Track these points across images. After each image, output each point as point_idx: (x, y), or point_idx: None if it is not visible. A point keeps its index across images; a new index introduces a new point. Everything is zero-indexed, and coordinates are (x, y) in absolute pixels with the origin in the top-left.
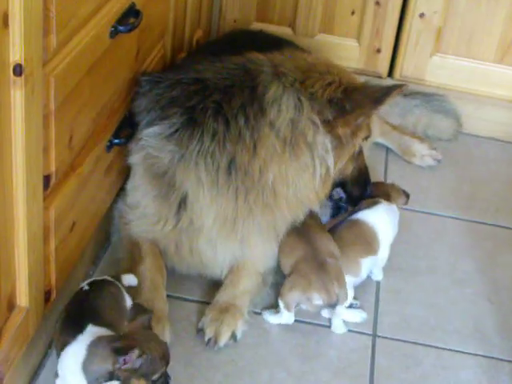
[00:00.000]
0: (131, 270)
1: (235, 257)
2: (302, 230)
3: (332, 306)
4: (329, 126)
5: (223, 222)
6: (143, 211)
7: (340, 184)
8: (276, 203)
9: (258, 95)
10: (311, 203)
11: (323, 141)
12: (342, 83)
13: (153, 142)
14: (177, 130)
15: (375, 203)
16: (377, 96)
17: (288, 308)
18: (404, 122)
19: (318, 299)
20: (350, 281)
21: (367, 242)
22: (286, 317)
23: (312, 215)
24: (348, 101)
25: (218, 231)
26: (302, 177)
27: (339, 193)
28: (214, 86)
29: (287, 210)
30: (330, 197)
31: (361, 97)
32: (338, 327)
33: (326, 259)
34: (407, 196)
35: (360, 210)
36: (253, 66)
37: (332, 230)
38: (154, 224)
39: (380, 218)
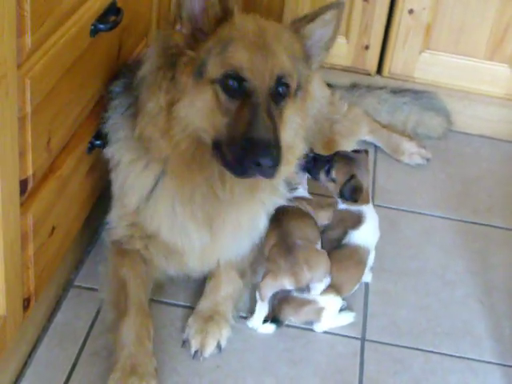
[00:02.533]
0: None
1: (207, 245)
2: (279, 218)
3: (302, 289)
4: None
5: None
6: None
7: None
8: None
9: None
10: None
11: None
12: None
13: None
14: None
15: (358, 219)
16: None
17: (262, 297)
18: (393, 119)
19: (288, 285)
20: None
21: (363, 263)
22: (258, 307)
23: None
24: None
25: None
26: None
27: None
28: None
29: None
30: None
31: None
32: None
33: (296, 242)
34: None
35: (348, 230)
36: None
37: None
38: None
39: (370, 234)
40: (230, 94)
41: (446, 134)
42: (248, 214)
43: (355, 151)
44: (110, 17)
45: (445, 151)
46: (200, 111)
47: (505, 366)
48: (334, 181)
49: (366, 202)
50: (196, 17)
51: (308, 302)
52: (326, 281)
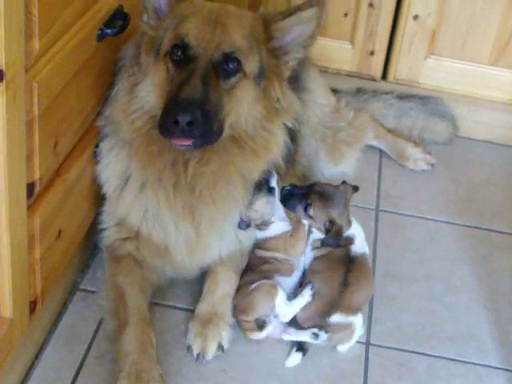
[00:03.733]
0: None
1: (192, 239)
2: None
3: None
4: None
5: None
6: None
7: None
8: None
9: None
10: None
11: None
12: None
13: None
14: None
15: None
16: None
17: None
18: (399, 124)
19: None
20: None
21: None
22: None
23: None
24: None
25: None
26: None
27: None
28: None
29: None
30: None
31: None
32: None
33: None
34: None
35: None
36: None
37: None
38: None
39: (365, 246)
40: (176, 64)
41: (451, 139)
42: (223, 209)
43: (337, 186)
44: (116, 22)
45: (450, 156)
46: (155, 86)
47: (509, 370)
48: (311, 218)
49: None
50: (160, 6)
51: (344, 327)
52: (280, 310)
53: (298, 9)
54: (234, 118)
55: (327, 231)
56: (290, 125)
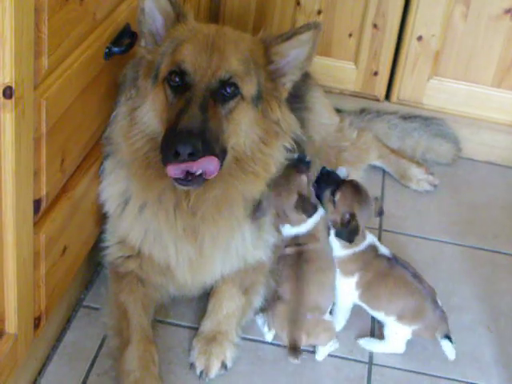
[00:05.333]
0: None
1: (194, 259)
2: (298, 270)
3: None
4: None
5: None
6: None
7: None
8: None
9: None
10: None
11: None
12: None
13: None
14: None
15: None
16: None
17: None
18: (403, 145)
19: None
20: None
21: None
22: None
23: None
24: None
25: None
26: None
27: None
28: None
29: None
30: None
31: None
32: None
33: (305, 315)
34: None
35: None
36: None
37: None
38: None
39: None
40: (174, 90)
41: (454, 160)
42: (225, 230)
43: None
44: (124, 40)
45: (452, 177)
46: (155, 112)
47: None
48: (334, 204)
49: (357, 243)
50: (157, 30)
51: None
52: (331, 344)
53: (296, 32)
54: (234, 140)
55: (342, 225)
56: (288, 146)
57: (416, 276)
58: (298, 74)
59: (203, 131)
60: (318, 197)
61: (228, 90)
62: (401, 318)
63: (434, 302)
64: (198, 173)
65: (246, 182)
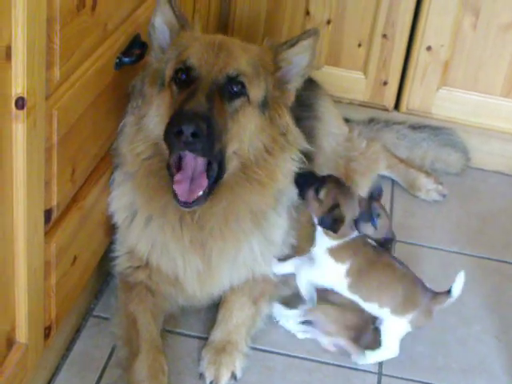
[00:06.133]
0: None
1: (202, 271)
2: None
3: None
4: None
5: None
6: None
7: None
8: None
9: None
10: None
11: None
12: None
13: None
14: None
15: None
16: None
17: None
18: (412, 155)
19: None
20: None
21: None
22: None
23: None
24: None
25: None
26: None
27: None
28: None
29: None
30: None
31: None
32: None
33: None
34: None
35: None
36: None
37: None
38: None
39: None
40: (180, 86)
41: (463, 170)
42: (232, 243)
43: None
44: (134, 50)
45: (461, 187)
46: (159, 116)
47: None
48: (320, 202)
49: (345, 235)
50: (165, 42)
51: None
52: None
53: (299, 39)
54: (237, 145)
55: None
56: (295, 157)
57: (403, 265)
58: (300, 82)
59: (208, 117)
60: (302, 197)
61: (235, 88)
62: (395, 309)
63: (424, 286)
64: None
65: (252, 192)
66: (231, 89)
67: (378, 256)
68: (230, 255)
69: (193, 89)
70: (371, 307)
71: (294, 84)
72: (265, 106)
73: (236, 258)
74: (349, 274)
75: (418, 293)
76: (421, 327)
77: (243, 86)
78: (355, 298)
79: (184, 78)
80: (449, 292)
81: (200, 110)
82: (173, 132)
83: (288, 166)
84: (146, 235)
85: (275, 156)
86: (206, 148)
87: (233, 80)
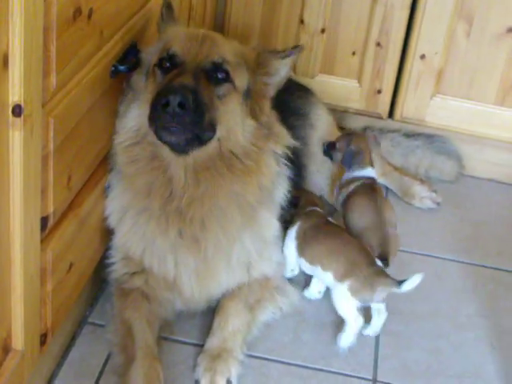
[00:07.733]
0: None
1: (199, 272)
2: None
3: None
4: None
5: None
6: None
7: None
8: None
9: None
10: None
11: None
12: None
13: None
14: None
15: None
16: None
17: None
18: (406, 162)
19: None
20: None
21: None
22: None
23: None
24: None
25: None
26: None
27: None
28: None
29: None
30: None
31: None
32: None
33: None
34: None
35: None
36: None
37: None
38: None
39: None
40: (164, 72)
41: (457, 177)
42: (225, 239)
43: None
44: (130, 58)
45: (455, 195)
46: (144, 102)
47: None
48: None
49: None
50: None
51: None
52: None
53: (290, 53)
54: (224, 132)
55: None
56: (279, 152)
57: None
58: (275, 91)
59: (195, 90)
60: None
61: (220, 75)
62: (335, 274)
63: (371, 259)
64: None
65: (232, 180)
66: (216, 75)
67: (325, 224)
68: (224, 252)
69: (178, 70)
70: (316, 271)
71: (271, 92)
72: (247, 96)
73: (230, 254)
74: (296, 236)
75: (360, 262)
76: (366, 302)
77: (228, 74)
78: (302, 262)
79: (168, 65)
80: (399, 283)
81: (186, 83)
82: (160, 104)
83: (272, 159)
84: (134, 231)
85: (259, 147)
86: (193, 122)
87: (218, 67)
